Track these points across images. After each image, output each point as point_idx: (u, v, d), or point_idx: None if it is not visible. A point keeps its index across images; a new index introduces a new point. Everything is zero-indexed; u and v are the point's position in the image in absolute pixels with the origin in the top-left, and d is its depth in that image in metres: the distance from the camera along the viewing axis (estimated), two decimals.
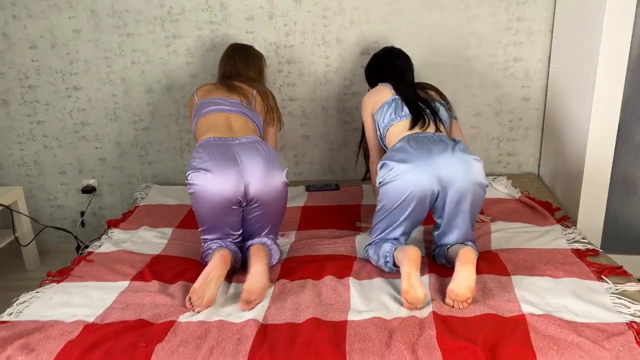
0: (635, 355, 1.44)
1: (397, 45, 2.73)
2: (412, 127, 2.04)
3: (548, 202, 2.43)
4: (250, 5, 2.67)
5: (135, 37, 2.73)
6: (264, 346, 1.53)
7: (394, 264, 1.89)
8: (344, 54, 2.74)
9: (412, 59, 2.72)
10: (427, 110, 2.08)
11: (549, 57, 2.70)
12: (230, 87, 2.23)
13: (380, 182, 1.93)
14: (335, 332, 1.59)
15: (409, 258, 1.75)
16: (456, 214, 1.91)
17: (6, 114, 2.86)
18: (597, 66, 2.17)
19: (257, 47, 2.71)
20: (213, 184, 1.87)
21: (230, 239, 1.99)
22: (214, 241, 1.98)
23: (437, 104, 2.13)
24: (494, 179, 2.73)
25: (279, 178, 1.96)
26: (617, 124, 2.23)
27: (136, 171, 2.96)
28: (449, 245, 1.94)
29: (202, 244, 2.02)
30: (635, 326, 1.53)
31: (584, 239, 2.09)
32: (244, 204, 1.96)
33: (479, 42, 2.69)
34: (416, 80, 2.36)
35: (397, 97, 2.13)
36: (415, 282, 1.69)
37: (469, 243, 1.96)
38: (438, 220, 1.98)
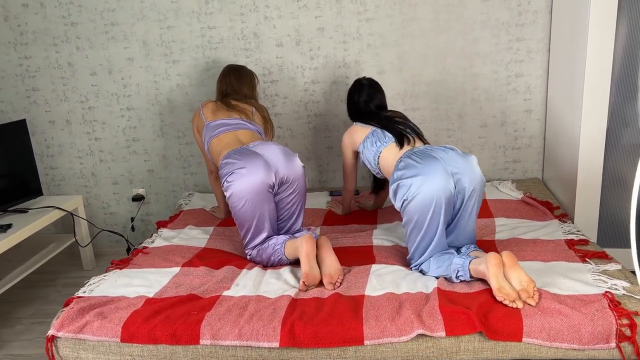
0: (607, 318, 1.70)
1: (408, 64, 3.08)
2: (400, 146, 2.23)
3: (548, 202, 2.70)
4: (280, 34, 3.05)
5: (180, 63, 3.14)
6: (294, 314, 1.84)
7: (470, 276, 1.95)
8: (362, 74, 3.08)
9: (423, 77, 3.07)
10: (408, 130, 2.32)
11: (547, 72, 2.99)
12: (229, 106, 2.58)
13: (403, 201, 2.05)
14: (354, 303, 1.89)
15: (493, 264, 1.85)
16: (466, 210, 2.08)
17: (69, 132, 3.29)
18: (585, 79, 2.46)
19: (285, 70, 3.10)
20: (250, 175, 2.19)
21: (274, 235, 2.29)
22: (268, 240, 2.26)
23: (412, 124, 2.37)
24: (500, 182, 3.02)
25: (297, 161, 2.30)
26: (605, 129, 2.51)
27: (180, 181, 3.34)
28: (468, 257, 2.00)
29: (258, 249, 2.27)
30: (609, 295, 1.79)
31: (578, 231, 2.35)
32: (277, 188, 2.27)
33: (483, 61, 3.01)
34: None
35: (375, 128, 2.35)
36: (504, 282, 1.84)
37: (473, 247, 2.14)
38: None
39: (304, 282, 2.01)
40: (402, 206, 2.07)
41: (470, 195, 2.06)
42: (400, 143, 2.25)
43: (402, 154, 2.21)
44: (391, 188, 2.12)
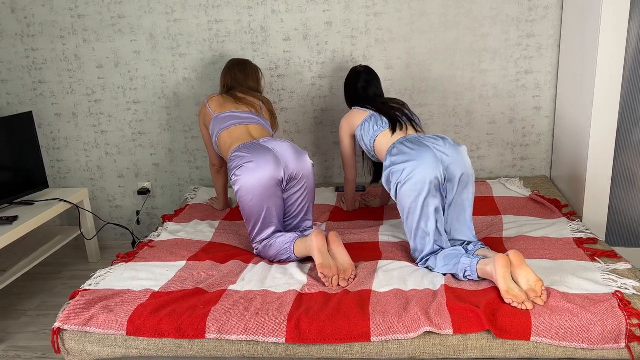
0: (617, 318, 1.68)
1: (416, 60, 3.06)
2: (393, 132, 2.30)
3: (556, 200, 2.67)
4: (287, 27, 3.03)
5: (186, 56, 3.12)
6: (300, 309, 1.83)
7: (478, 276, 1.93)
8: None
9: (431, 73, 3.04)
10: (404, 117, 2.39)
11: (557, 69, 2.96)
12: (236, 99, 2.57)
13: (396, 185, 2.12)
14: (360, 299, 1.88)
15: (501, 265, 1.82)
16: (457, 199, 2.11)
17: (75, 125, 3.28)
18: (595, 76, 2.43)
19: (292, 65, 3.08)
20: (258, 169, 2.18)
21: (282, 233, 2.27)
22: (275, 236, 2.23)
23: (408, 112, 2.44)
24: (507, 180, 3.00)
25: (307, 158, 2.29)
26: (616, 127, 2.48)
27: (185, 175, 3.33)
28: (476, 257, 1.97)
29: (265, 244, 2.24)
30: (619, 295, 1.77)
31: (587, 229, 2.33)
32: (286, 184, 2.26)
33: (492, 57, 2.98)
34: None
35: (373, 113, 2.42)
36: (512, 284, 1.81)
37: (480, 244, 2.13)
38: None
39: (323, 274, 1.99)
40: (395, 191, 2.13)
41: (460, 181, 2.11)
42: (393, 129, 2.32)
43: (394, 140, 2.27)
44: (384, 175, 2.19)
